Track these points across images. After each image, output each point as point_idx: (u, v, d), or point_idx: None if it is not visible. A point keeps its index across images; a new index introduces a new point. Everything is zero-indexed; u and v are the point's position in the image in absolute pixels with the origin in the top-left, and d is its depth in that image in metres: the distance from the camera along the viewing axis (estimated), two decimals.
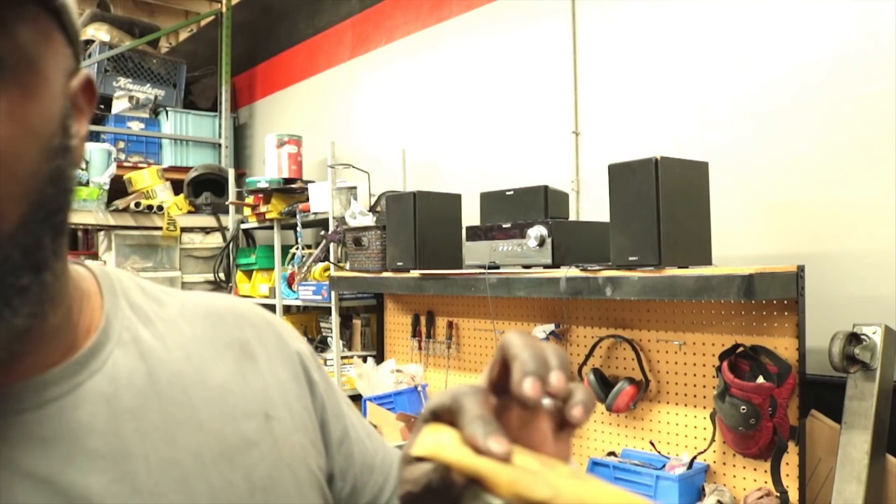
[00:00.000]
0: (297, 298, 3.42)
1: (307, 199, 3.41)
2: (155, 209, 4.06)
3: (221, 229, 4.27)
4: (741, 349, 1.85)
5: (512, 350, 0.39)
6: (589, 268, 1.93)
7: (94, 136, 4.32)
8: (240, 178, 4.26)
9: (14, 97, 0.41)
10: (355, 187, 3.18)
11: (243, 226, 4.01)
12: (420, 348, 2.90)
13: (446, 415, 0.40)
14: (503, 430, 0.37)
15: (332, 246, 3.24)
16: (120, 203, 4.02)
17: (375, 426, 2.51)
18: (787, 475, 1.80)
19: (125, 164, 4.39)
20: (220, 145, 4.91)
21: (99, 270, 0.56)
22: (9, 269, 0.41)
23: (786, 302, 1.82)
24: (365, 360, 3.06)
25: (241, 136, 5.12)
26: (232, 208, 4.10)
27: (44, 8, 0.43)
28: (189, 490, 0.49)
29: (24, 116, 0.41)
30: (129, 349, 0.52)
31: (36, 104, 0.42)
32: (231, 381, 0.56)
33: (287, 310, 3.78)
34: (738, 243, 2.17)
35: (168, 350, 0.54)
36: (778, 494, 1.78)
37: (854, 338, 1.71)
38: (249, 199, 3.78)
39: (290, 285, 3.52)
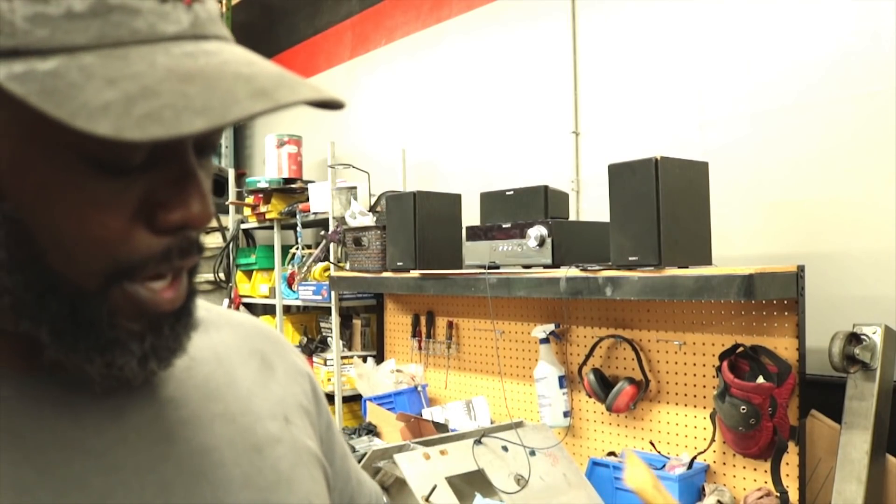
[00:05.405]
0: (297, 298, 3.42)
1: (307, 199, 3.41)
2: None
3: (221, 229, 4.27)
4: (741, 349, 1.85)
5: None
6: (589, 268, 1.93)
7: None
8: (240, 178, 4.26)
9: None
10: (355, 187, 3.18)
11: (243, 226, 4.01)
12: (420, 348, 2.90)
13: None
14: None
15: (332, 246, 3.24)
16: None
17: (375, 426, 2.51)
18: (787, 475, 1.80)
19: None
20: (220, 145, 4.90)
21: None
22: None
23: (786, 302, 1.82)
24: (365, 360, 3.06)
25: (241, 136, 5.11)
26: (232, 208, 4.10)
27: None
28: (225, 473, 0.55)
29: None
30: None
31: None
32: (255, 385, 0.62)
33: (287, 310, 3.78)
34: (738, 243, 2.17)
35: (199, 350, 0.59)
36: (778, 494, 1.78)
37: (854, 338, 1.71)
38: (249, 199, 3.78)
39: (290, 285, 3.52)
